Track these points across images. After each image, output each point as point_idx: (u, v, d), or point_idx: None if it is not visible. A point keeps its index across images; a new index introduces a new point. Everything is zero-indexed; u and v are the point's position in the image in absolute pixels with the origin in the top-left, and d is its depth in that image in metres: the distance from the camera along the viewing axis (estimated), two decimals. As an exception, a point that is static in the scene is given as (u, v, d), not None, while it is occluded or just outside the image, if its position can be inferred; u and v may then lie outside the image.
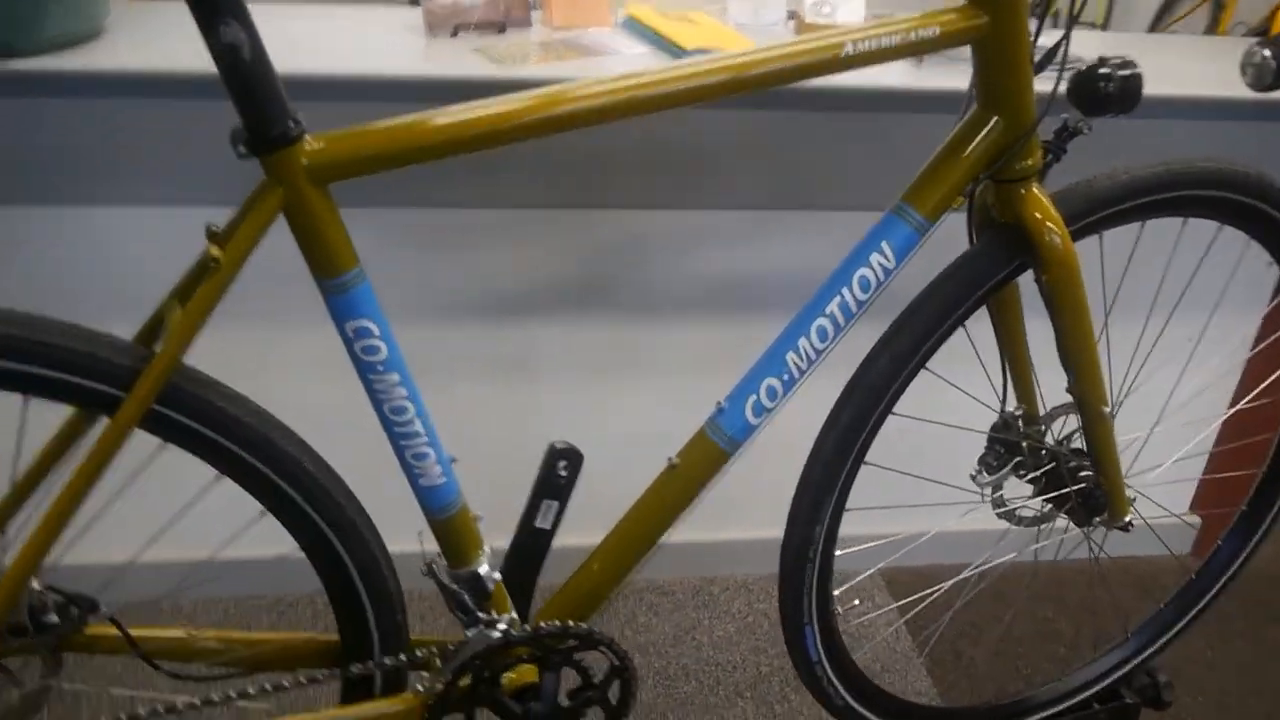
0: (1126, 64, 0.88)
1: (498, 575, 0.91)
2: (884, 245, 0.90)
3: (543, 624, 0.93)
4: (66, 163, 1.29)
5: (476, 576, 0.90)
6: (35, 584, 0.85)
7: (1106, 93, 0.88)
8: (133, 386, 0.70)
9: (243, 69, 0.65)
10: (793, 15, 1.49)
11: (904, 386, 0.97)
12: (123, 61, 1.18)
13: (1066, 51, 0.85)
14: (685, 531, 1.23)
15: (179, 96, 1.20)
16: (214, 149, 0.75)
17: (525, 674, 0.95)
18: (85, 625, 0.87)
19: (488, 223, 1.41)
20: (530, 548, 0.96)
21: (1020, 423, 1.12)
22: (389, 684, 0.94)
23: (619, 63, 1.34)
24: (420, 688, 0.91)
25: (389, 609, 0.89)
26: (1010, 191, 0.91)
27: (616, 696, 1.00)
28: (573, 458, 0.95)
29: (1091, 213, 0.95)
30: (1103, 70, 0.88)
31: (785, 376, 0.92)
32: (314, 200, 0.70)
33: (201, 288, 0.70)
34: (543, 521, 0.96)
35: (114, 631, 0.88)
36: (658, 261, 1.47)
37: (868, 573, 1.62)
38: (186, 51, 1.21)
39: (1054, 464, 1.12)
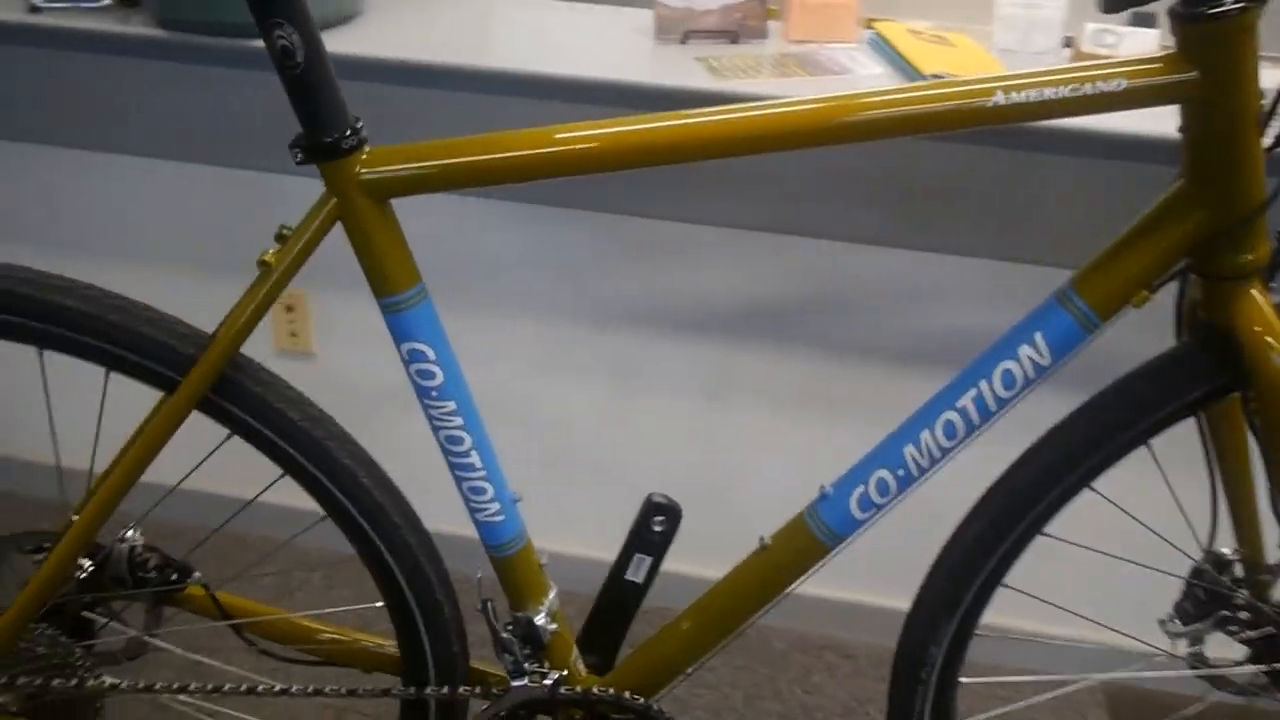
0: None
1: (554, 626, 0.86)
2: (1038, 337, 0.74)
3: (596, 689, 0.86)
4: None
5: (530, 623, 0.85)
6: (140, 542, 0.90)
7: None
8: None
9: (298, 73, 0.63)
10: (1069, 43, 1.32)
11: (1058, 504, 0.81)
12: (361, 47, 1.21)
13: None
14: (883, 594, 1.10)
15: (421, 85, 1.24)
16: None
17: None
18: (181, 587, 0.91)
19: (703, 239, 1.35)
20: (618, 600, 0.91)
21: (1236, 568, 0.91)
22: (443, 712, 0.91)
23: (847, 83, 1.24)
24: (471, 724, 0.88)
25: (444, 636, 0.87)
26: (1221, 291, 0.72)
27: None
28: (671, 514, 0.89)
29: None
30: None
31: (900, 472, 0.79)
32: (368, 214, 0.68)
33: (251, 288, 0.70)
34: (634, 574, 0.91)
35: (204, 596, 0.91)
36: (877, 303, 1.34)
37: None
38: (432, 42, 1.25)
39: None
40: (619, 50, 1.31)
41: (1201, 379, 0.75)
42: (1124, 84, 0.65)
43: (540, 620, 0.85)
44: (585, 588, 0.92)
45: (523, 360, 1.48)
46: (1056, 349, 0.74)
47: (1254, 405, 0.74)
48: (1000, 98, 0.65)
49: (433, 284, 0.73)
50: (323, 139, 0.66)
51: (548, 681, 0.85)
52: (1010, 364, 0.75)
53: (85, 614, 0.89)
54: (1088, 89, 0.65)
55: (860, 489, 0.80)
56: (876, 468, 0.80)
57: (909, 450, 0.79)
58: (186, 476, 0.91)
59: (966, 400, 0.76)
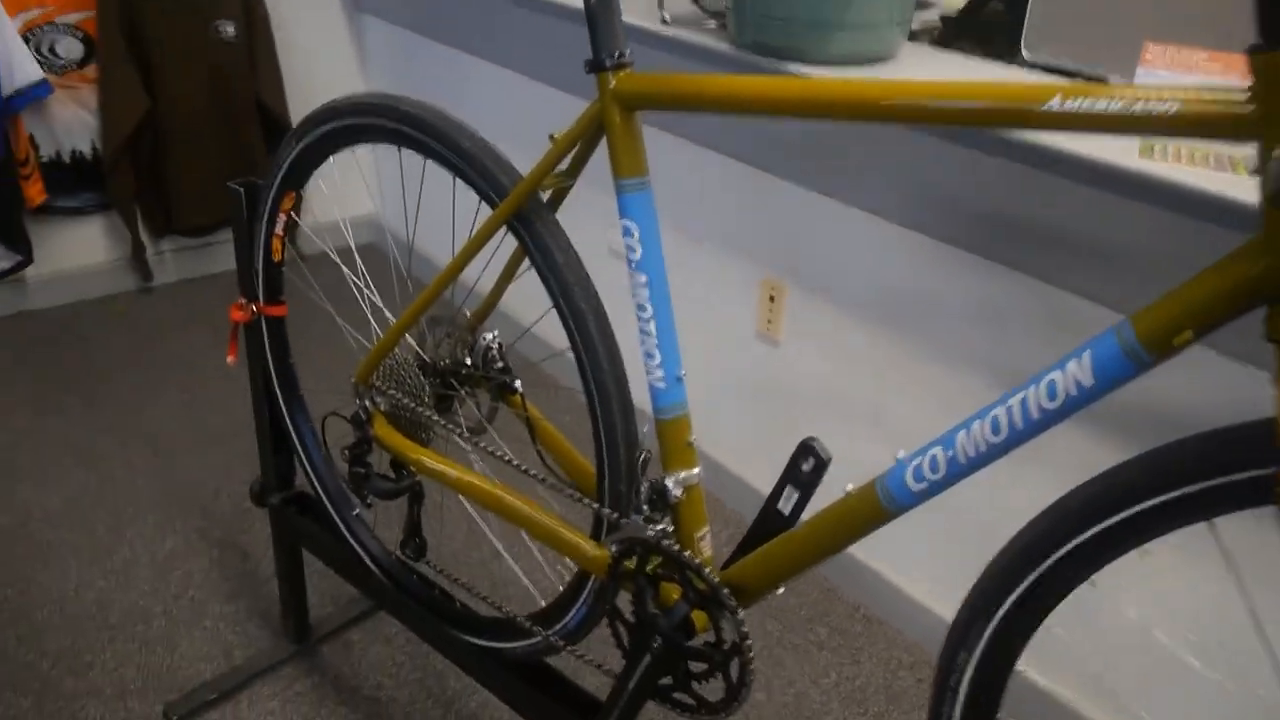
0: None
1: (679, 493, 1.05)
2: (1085, 355, 0.75)
3: (685, 552, 1.04)
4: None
5: (662, 483, 1.05)
6: (497, 343, 1.30)
7: None
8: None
9: (590, 12, 0.96)
10: None
11: (1092, 559, 0.79)
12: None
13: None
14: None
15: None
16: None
17: (671, 592, 1.07)
18: (515, 389, 1.29)
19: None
20: (767, 526, 1.06)
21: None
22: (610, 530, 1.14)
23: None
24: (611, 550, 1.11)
25: (616, 473, 1.11)
26: (1285, 359, 0.67)
27: (734, 677, 1.04)
28: (818, 458, 1.02)
29: None
30: None
31: (950, 454, 0.85)
32: (614, 115, 0.98)
33: (546, 153, 1.04)
34: (784, 505, 1.05)
35: (519, 403, 1.28)
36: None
37: None
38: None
39: None
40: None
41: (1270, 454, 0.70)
42: (1176, 107, 0.67)
43: (670, 484, 1.05)
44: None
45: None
46: (1100, 372, 0.75)
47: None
48: (1056, 103, 0.72)
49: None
50: (598, 58, 0.97)
51: (652, 529, 1.05)
52: (1057, 375, 0.77)
53: (452, 381, 1.31)
54: (1138, 107, 0.68)
55: (918, 461, 0.87)
56: (934, 446, 0.86)
57: (960, 436, 0.84)
58: (538, 320, 1.28)
59: (1015, 401, 0.80)
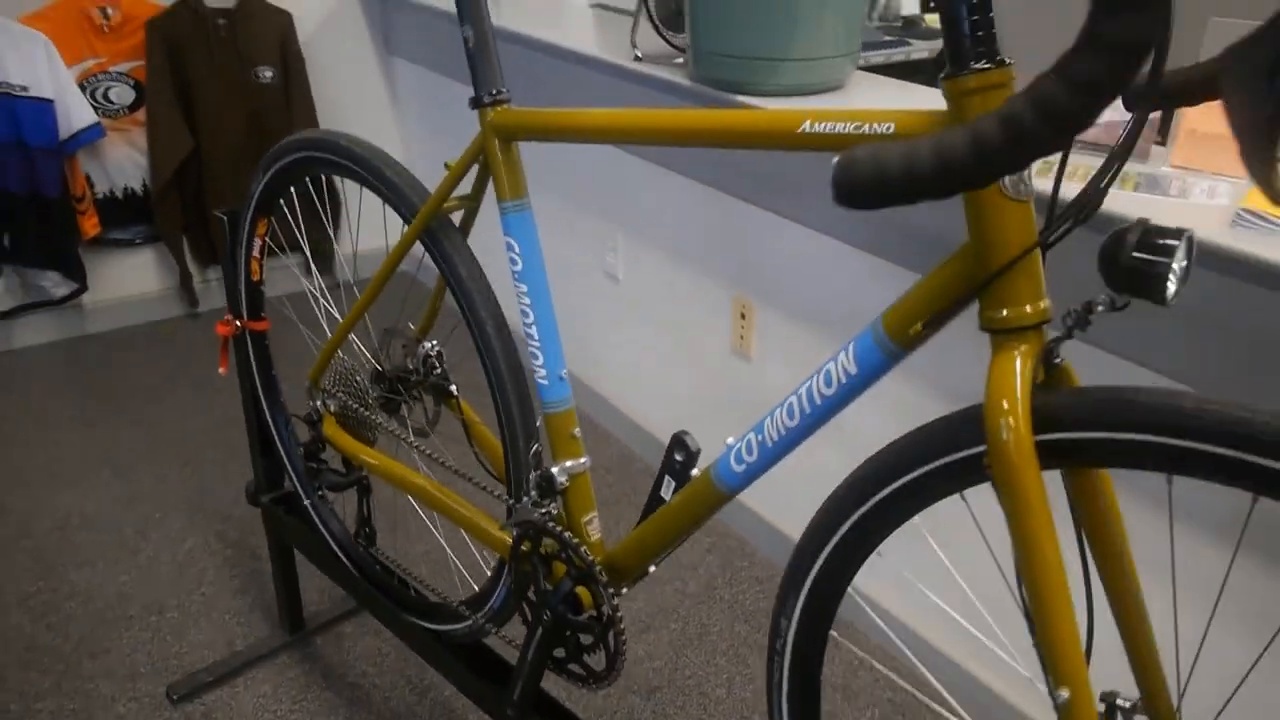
0: (1164, 244, 0.67)
1: (564, 480, 1.17)
2: (850, 347, 0.86)
3: (565, 533, 1.16)
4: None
5: (549, 472, 1.17)
6: (436, 351, 1.43)
7: (1131, 268, 0.69)
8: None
9: (470, 55, 1.10)
10: None
11: (871, 533, 0.88)
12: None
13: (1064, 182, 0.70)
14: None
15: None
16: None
17: (560, 571, 1.19)
18: (453, 394, 1.43)
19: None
20: (650, 510, 1.17)
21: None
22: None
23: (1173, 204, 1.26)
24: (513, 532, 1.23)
25: (516, 464, 1.24)
26: (992, 345, 0.77)
27: (610, 647, 1.16)
28: (688, 450, 1.13)
29: (1091, 427, 0.72)
30: (1143, 243, 0.69)
31: (760, 438, 0.95)
32: (494, 145, 1.12)
33: (443, 180, 1.18)
34: (664, 493, 1.17)
35: (456, 404, 1.42)
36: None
37: None
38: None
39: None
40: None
41: (953, 440, 0.79)
42: (891, 128, 0.78)
43: (556, 471, 1.17)
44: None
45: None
46: (860, 361, 0.85)
47: (992, 478, 0.75)
48: (807, 125, 0.83)
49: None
50: (478, 96, 1.11)
51: (540, 511, 1.17)
52: (831, 365, 0.87)
53: (397, 385, 1.46)
54: (866, 128, 0.79)
55: (738, 447, 0.98)
56: (750, 433, 0.97)
57: (767, 422, 0.94)
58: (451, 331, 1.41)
59: (803, 390, 0.90)
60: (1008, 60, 0.71)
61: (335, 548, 1.63)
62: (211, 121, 2.96)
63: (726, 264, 2.09)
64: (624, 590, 1.17)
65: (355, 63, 3.22)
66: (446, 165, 1.17)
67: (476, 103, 1.12)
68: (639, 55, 2.03)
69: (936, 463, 0.81)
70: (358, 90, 3.23)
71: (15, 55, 2.65)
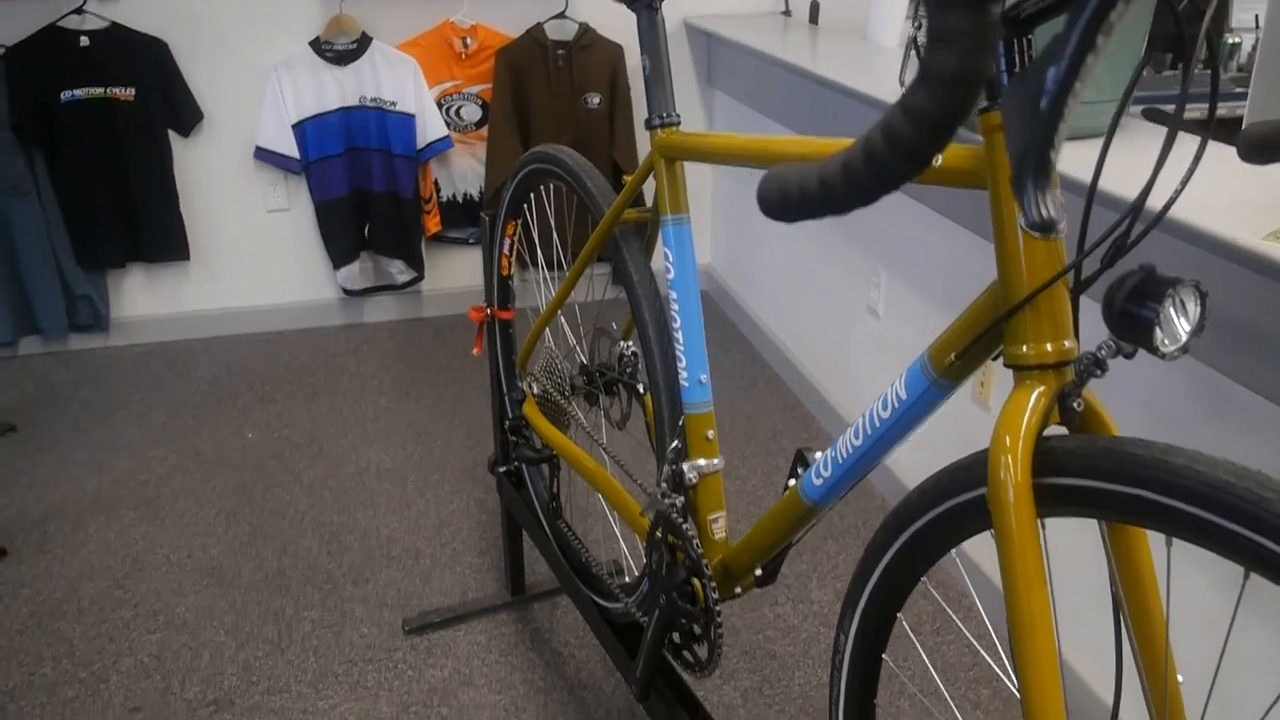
0: (1156, 291, 0.66)
1: (694, 478, 1.25)
2: (904, 375, 0.88)
3: (684, 524, 1.24)
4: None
5: (680, 468, 1.26)
6: (630, 350, 1.57)
7: (1123, 313, 0.68)
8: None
9: (646, 83, 1.22)
10: None
11: (914, 561, 0.89)
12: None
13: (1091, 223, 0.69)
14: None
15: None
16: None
17: (680, 561, 1.27)
18: (637, 393, 1.56)
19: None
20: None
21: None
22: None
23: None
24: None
25: (662, 456, 1.34)
26: (1014, 382, 0.77)
27: (708, 646, 1.22)
28: (807, 463, 1.18)
29: (1089, 475, 0.70)
30: (1136, 289, 0.68)
31: (833, 455, 0.99)
32: (660, 164, 1.23)
33: (618, 198, 1.30)
34: None
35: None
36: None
37: None
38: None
39: None
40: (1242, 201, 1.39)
41: (968, 480, 0.79)
42: (939, 160, 0.80)
43: (687, 468, 1.26)
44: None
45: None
46: (910, 390, 0.87)
47: (991, 520, 0.75)
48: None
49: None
50: (650, 118, 1.23)
51: (666, 502, 1.26)
52: (889, 389, 0.90)
53: (596, 378, 1.61)
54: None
55: (818, 463, 1.02)
56: (828, 449, 1.01)
57: (839, 441, 0.98)
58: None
59: (867, 412, 0.93)
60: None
61: (541, 519, 1.80)
62: (541, 138, 3.31)
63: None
64: (737, 591, 1.23)
65: (678, 93, 3.46)
66: (623, 179, 1.30)
67: (649, 124, 1.24)
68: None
69: (954, 501, 0.81)
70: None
71: (390, 76, 3.13)
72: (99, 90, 3.03)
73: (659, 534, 1.29)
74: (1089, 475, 0.70)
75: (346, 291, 3.38)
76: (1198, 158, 0.68)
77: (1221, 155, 1.44)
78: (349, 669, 1.97)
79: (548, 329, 1.63)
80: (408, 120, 3.17)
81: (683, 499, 1.26)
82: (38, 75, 2.96)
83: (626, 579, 1.54)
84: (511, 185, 1.66)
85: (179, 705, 1.88)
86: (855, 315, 2.53)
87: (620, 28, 3.26)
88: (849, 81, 2.23)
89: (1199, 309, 0.65)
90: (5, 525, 2.43)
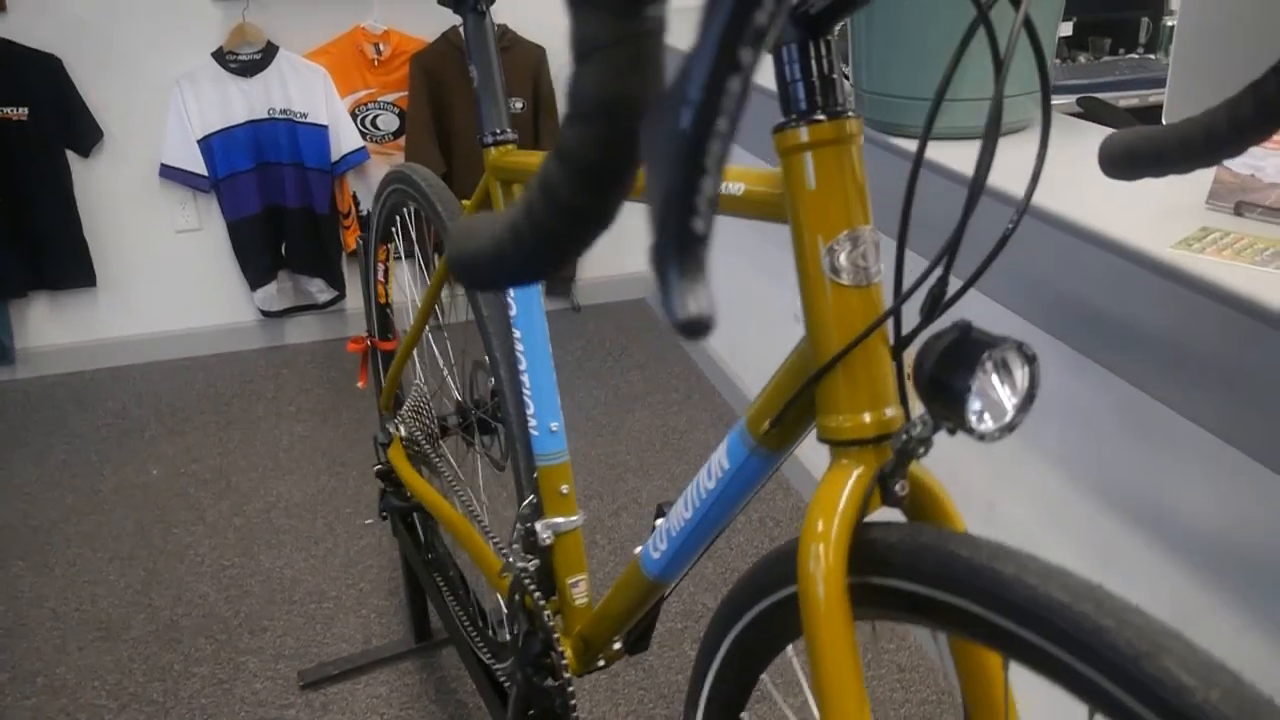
0: (971, 355, 0.52)
1: (548, 538, 1.12)
2: (724, 445, 0.74)
3: (534, 591, 1.10)
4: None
5: (532, 527, 1.13)
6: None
7: (933, 381, 0.54)
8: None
9: (476, 96, 1.08)
10: None
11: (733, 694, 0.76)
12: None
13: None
14: None
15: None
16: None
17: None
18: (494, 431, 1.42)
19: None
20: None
21: None
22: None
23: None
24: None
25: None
26: (830, 459, 0.63)
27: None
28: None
29: (911, 576, 0.56)
30: (947, 354, 0.54)
31: (667, 528, 0.85)
32: (495, 186, 1.09)
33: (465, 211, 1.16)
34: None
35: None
36: None
37: None
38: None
39: None
40: (1145, 206, 1.25)
41: (778, 577, 0.65)
42: (742, 189, 0.66)
43: (539, 527, 1.12)
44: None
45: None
46: (730, 456, 0.73)
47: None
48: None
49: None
50: (480, 135, 1.09)
51: (520, 564, 1.12)
52: (713, 456, 0.76)
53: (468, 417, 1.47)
54: (722, 188, 0.68)
55: (655, 535, 0.88)
56: (664, 522, 0.87)
57: (672, 511, 0.84)
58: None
59: (694, 482, 0.80)
60: (850, 112, 0.58)
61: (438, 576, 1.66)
62: (463, 147, 3.16)
63: None
64: (600, 664, 1.10)
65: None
66: (462, 204, 1.16)
67: (480, 142, 1.10)
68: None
69: (770, 599, 0.67)
70: (602, 122, 3.32)
71: (299, 86, 2.98)
72: (-12, 110, 2.86)
73: (516, 598, 1.15)
74: (910, 577, 0.56)
75: (264, 313, 3.23)
76: (1036, 174, 0.55)
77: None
78: (236, 731, 1.82)
79: (415, 362, 1.48)
80: (320, 132, 3.01)
81: (537, 561, 1.12)
82: (-80, 96, 2.80)
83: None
84: (378, 208, 1.51)
85: (47, 780, 1.73)
86: (789, 324, 2.39)
87: (541, 29, 3.12)
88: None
89: (1027, 377, 0.52)
90: (-121, 581, 2.27)
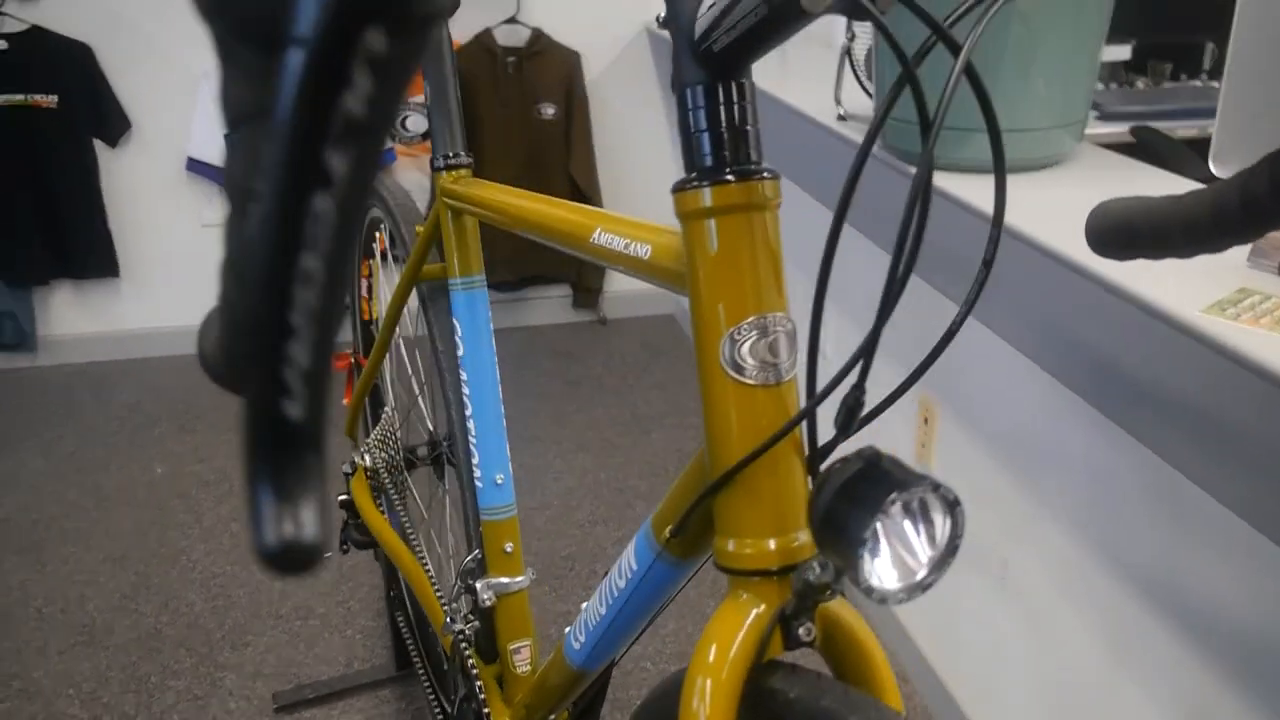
0: (875, 493, 0.41)
1: (489, 599, 1.02)
2: (633, 541, 0.64)
3: (469, 656, 1.01)
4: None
5: (472, 585, 1.03)
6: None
7: (826, 521, 0.44)
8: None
9: (429, 116, 0.99)
10: None
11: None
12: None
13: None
14: None
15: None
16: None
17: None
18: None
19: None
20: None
21: None
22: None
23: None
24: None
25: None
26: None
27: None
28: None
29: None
30: (848, 489, 0.43)
31: (585, 619, 0.75)
32: (444, 214, 0.99)
33: (413, 251, 1.07)
34: None
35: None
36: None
37: None
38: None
39: None
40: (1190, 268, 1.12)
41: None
42: (649, 251, 0.56)
43: (480, 586, 1.03)
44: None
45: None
46: (638, 557, 0.63)
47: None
48: (598, 235, 0.63)
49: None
50: (433, 158, 0.99)
51: (457, 628, 1.03)
52: (623, 555, 0.66)
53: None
54: (631, 248, 0.58)
55: (576, 623, 0.78)
56: (584, 609, 0.77)
57: (587, 604, 0.74)
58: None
59: (607, 579, 0.70)
60: (766, 172, 0.47)
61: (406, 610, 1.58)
62: (492, 152, 3.09)
63: (915, 357, 1.80)
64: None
65: (639, 106, 3.22)
66: (416, 230, 1.07)
67: (432, 165, 1.01)
68: (842, 114, 1.80)
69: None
70: (637, 132, 3.23)
71: (328, 83, 2.92)
72: (19, 96, 2.85)
73: (455, 661, 1.06)
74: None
75: (285, 312, 3.18)
76: (979, 283, 0.44)
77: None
78: (204, 753, 1.76)
79: (387, 388, 1.40)
80: (347, 131, 2.95)
81: (477, 624, 1.03)
82: (-49, 80, 2.79)
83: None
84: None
85: (7, 792, 1.67)
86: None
87: (576, 33, 3.03)
88: (774, 91, 1.99)
89: (949, 527, 0.41)
90: (-127, 568, 2.25)
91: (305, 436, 0.23)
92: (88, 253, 3.03)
